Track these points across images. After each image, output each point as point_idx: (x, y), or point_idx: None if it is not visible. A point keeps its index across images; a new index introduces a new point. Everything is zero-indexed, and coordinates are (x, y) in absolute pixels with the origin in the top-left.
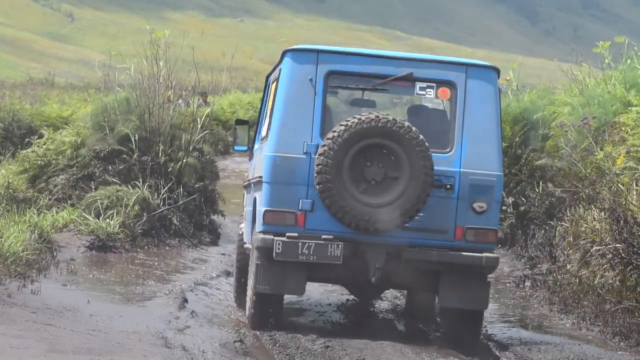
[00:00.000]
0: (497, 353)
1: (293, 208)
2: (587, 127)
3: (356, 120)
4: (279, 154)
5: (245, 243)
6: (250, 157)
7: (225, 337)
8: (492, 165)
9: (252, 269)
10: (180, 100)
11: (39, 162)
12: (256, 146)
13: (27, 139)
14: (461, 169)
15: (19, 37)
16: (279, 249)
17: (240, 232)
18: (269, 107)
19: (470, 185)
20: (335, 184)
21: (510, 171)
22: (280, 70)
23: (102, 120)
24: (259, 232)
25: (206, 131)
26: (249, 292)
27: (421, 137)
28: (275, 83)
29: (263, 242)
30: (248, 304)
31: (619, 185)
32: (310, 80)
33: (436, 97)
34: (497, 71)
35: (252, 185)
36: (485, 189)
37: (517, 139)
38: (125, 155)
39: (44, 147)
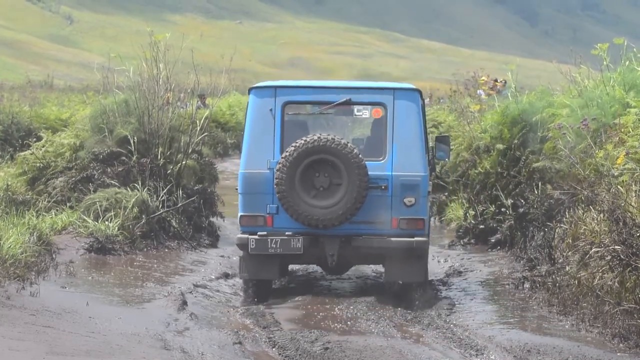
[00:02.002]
0: (496, 355)
1: (262, 212)
2: (586, 129)
3: (303, 142)
4: (248, 170)
5: None
6: None
7: (225, 339)
8: (417, 168)
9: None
10: (178, 102)
11: (38, 165)
12: None
13: (26, 141)
14: (393, 173)
15: (18, 39)
16: (252, 245)
17: None
18: None
19: (401, 184)
20: (289, 193)
21: (509, 173)
22: (247, 102)
23: (101, 122)
24: (240, 232)
25: (205, 133)
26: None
27: (355, 150)
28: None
29: (240, 240)
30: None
31: (618, 186)
32: (270, 110)
33: (370, 116)
34: (420, 92)
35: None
36: (413, 187)
37: (516, 141)
38: (124, 158)
39: (43, 149)
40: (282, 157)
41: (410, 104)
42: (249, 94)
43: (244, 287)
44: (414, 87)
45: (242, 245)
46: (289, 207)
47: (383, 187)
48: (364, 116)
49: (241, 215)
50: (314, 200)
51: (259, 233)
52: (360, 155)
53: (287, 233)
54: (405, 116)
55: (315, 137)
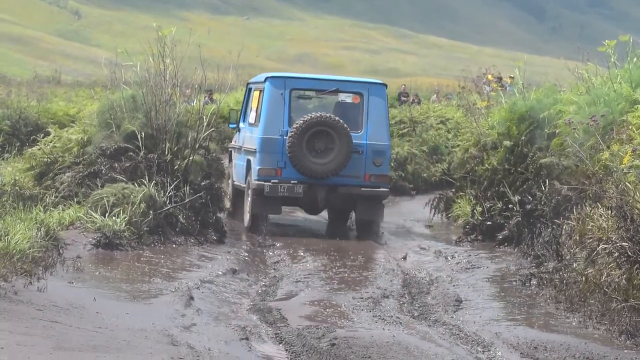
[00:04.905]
0: (503, 351)
1: (274, 166)
2: (595, 125)
3: (309, 117)
4: (265, 136)
5: (235, 182)
6: (237, 131)
7: (231, 335)
8: (383, 139)
9: (249, 200)
10: (184, 98)
11: (46, 160)
12: (242, 125)
13: (33, 137)
14: (367, 142)
15: (26, 34)
16: (267, 189)
17: (232, 177)
18: (254, 106)
19: (372, 150)
20: (298, 153)
21: (517, 169)
22: (263, 88)
23: (108, 117)
24: (255, 180)
25: (212, 129)
26: (247, 213)
27: (345, 125)
28: (258, 92)
29: (257, 186)
30: (246, 219)
31: (626, 183)
32: (281, 94)
33: (352, 101)
34: (386, 86)
35: (244, 151)
36: (380, 152)
37: (523, 138)
38: (131, 153)
39: (51, 144)
40: (293, 128)
41: (380, 94)
42: (264, 81)
43: (251, 220)
44: (382, 82)
45: (259, 189)
46: (297, 163)
47: (360, 152)
48: (347, 101)
49: (259, 168)
50: (314, 159)
51: (271, 181)
52: (347, 128)
53: (292, 181)
54: (375, 102)
55: (318, 115)
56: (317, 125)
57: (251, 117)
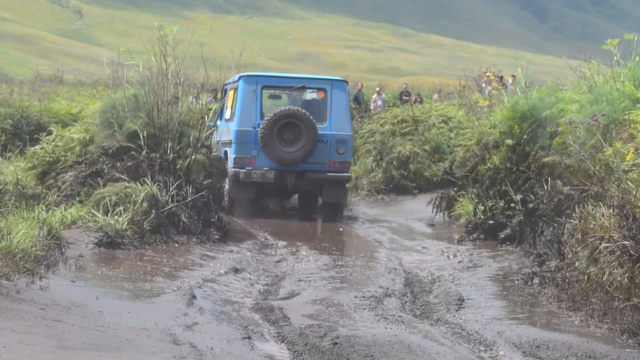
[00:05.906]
0: (505, 350)
1: (248, 155)
2: (596, 125)
3: (278, 110)
4: (240, 128)
5: None
6: (215, 129)
7: (234, 334)
8: (345, 129)
9: (226, 186)
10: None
11: (48, 159)
12: (219, 123)
13: (35, 136)
14: (331, 132)
15: (28, 33)
16: (242, 175)
17: None
18: (230, 104)
19: (336, 139)
20: (269, 143)
21: (519, 168)
22: (237, 86)
23: (110, 117)
24: (231, 167)
25: (214, 128)
26: (225, 197)
27: (311, 117)
28: (233, 90)
29: (234, 172)
30: (225, 202)
31: (628, 182)
32: (254, 91)
33: (317, 97)
34: (346, 82)
35: (221, 144)
36: (343, 141)
37: (525, 136)
38: (133, 152)
39: (53, 143)
40: (264, 120)
41: (342, 89)
42: (238, 79)
43: (228, 203)
44: (343, 79)
45: (235, 176)
46: (268, 151)
47: (325, 141)
48: (313, 96)
49: (234, 157)
50: (284, 148)
51: (246, 168)
52: (313, 120)
53: (264, 168)
54: (337, 96)
55: (287, 108)
56: (286, 118)
57: (227, 113)
